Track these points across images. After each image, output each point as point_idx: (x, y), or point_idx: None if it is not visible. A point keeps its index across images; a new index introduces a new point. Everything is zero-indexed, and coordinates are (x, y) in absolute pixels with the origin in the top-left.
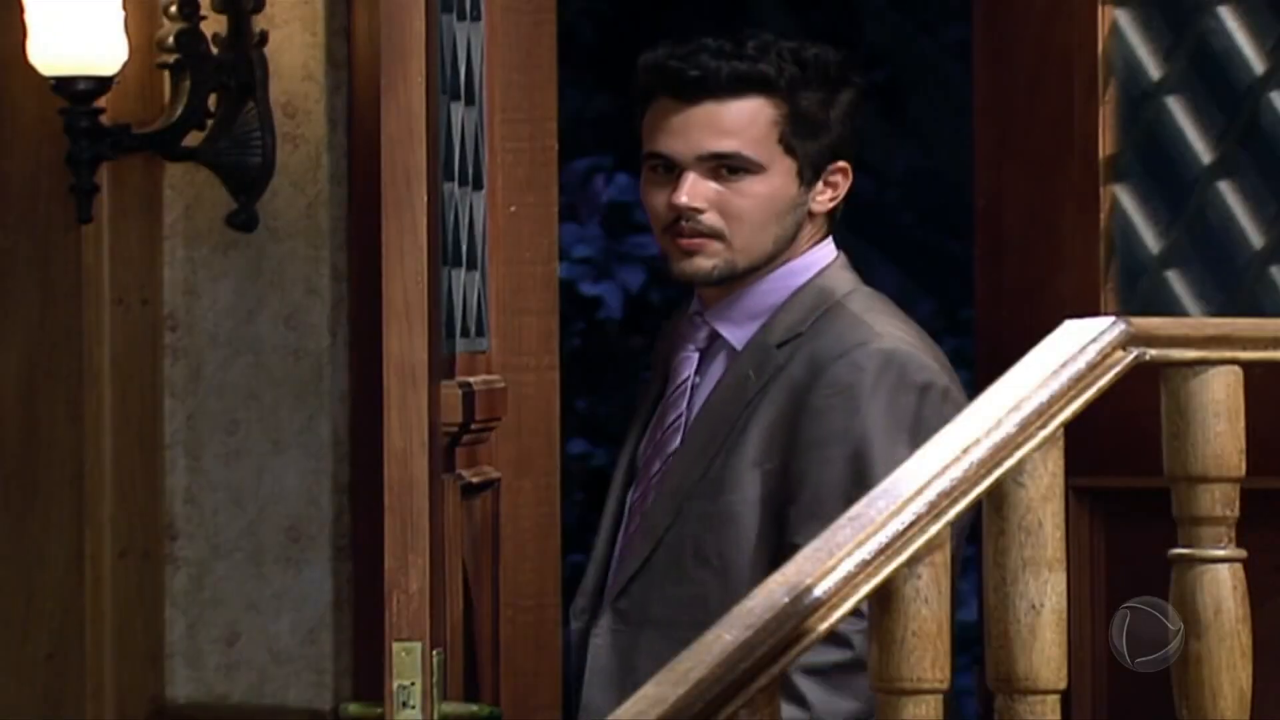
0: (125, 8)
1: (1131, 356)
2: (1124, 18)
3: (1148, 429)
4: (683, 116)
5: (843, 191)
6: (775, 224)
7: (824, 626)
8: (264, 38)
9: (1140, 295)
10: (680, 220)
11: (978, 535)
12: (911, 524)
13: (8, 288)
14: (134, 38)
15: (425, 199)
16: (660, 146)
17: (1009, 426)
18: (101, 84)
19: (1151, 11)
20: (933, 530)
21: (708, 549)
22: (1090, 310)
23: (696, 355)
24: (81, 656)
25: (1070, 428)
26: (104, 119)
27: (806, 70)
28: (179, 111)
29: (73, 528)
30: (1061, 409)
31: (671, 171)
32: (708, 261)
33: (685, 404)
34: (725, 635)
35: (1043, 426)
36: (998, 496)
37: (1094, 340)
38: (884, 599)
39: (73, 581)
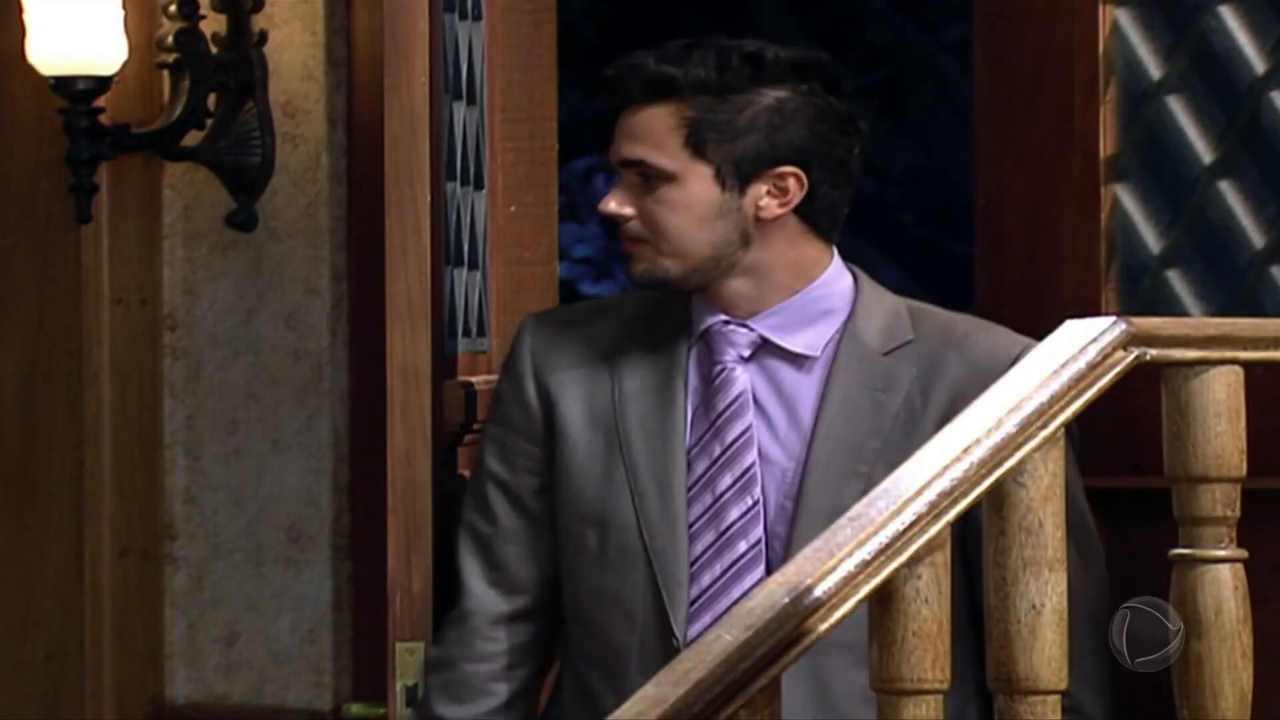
0: (125, 7)
1: (1132, 356)
2: (1125, 17)
3: (1148, 429)
4: (619, 122)
5: (795, 198)
6: (703, 230)
7: (824, 627)
8: (263, 37)
9: (1141, 295)
10: (617, 226)
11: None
12: (912, 524)
13: (7, 288)
14: (133, 37)
15: (428, 198)
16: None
17: (1009, 426)
18: (101, 83)
19: (1152, 11)
20: (933, 530)
21: None
22: (1091, 310)
23: (741, 365)
24: (81, 656)
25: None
26: (103, 118)
27: (726, 73)
28: (178, 111)
29: (72, 527)
30: (1062, 409)
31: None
32: (640, 265)
33: (751, 416)
34: (725, 635)
35: (1043, 426)
36: (998, 496)
37: (1094, 340)
38: (884, 599)
39: (72, 581)
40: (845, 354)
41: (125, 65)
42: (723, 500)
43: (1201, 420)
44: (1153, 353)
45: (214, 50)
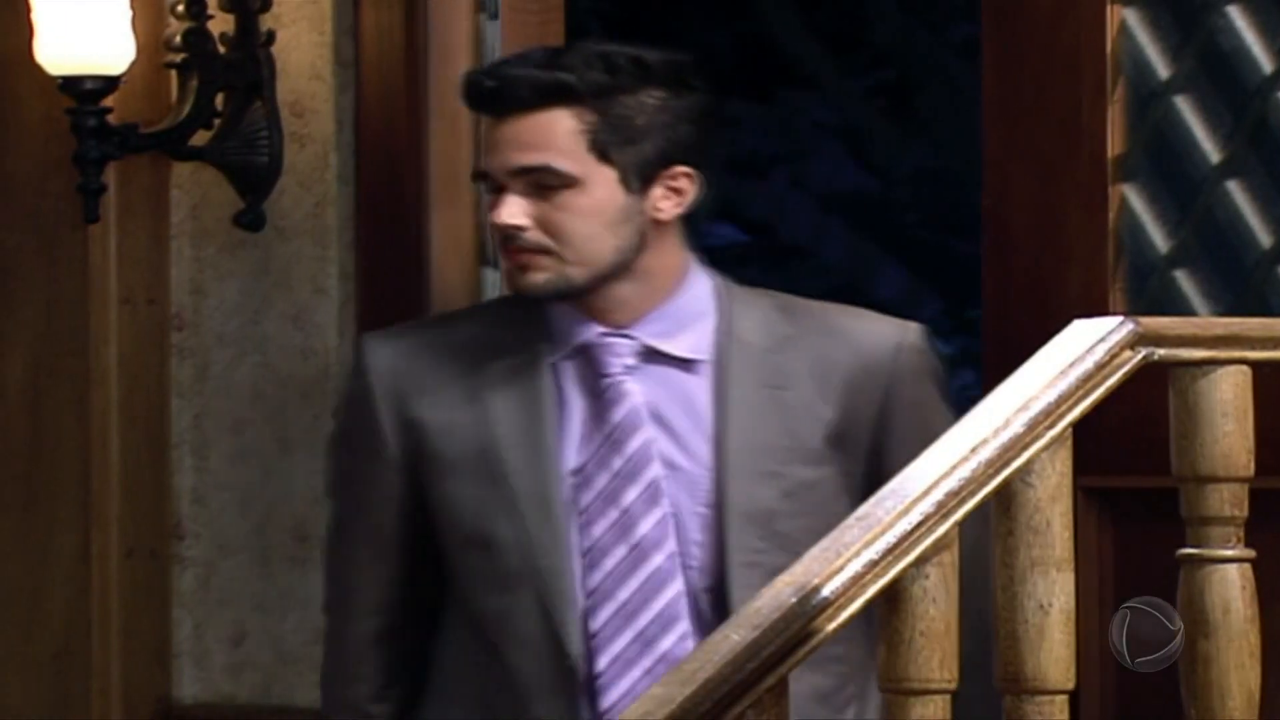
0: (132, 7)
1: (1140, 356)
2: (1132, 17)
3: (1156, 429)
4: (497, 133)
5: (689, 198)
6: (609, 235)
7: (831, 627)
8: (271, 37)
9: (1148, 295)
10: (508, 238)
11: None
12: (919, 524)
13: (14, 287)
14: (141, 37)
15: (470, 199)
16: (483, 164)
17: (1017, 426)
18: (109, 83)
19: (1160, 10)
20: (940, 530)
21: None
22: (1098, 310)
23: (629, 375)
24: (88, 656)
25: (1078, 428)
26: (111, 118)
27: (617, 76)
28: (186, 111)
29: (79, 527)
30: (1070, 409)
31: (499, 190)
32: (540, 275)
33: (649, 426)
34: (733, 635)
35: (1051, 426)
36: (1006, 496)
37: (1102, 340)
38: (892, 599)
39: (79, 581)
40: (732, 354)
41: (133, 65)
42: (630, 513)
43: (1209, 420)
44: (1160, 352)
45: (222, 50)
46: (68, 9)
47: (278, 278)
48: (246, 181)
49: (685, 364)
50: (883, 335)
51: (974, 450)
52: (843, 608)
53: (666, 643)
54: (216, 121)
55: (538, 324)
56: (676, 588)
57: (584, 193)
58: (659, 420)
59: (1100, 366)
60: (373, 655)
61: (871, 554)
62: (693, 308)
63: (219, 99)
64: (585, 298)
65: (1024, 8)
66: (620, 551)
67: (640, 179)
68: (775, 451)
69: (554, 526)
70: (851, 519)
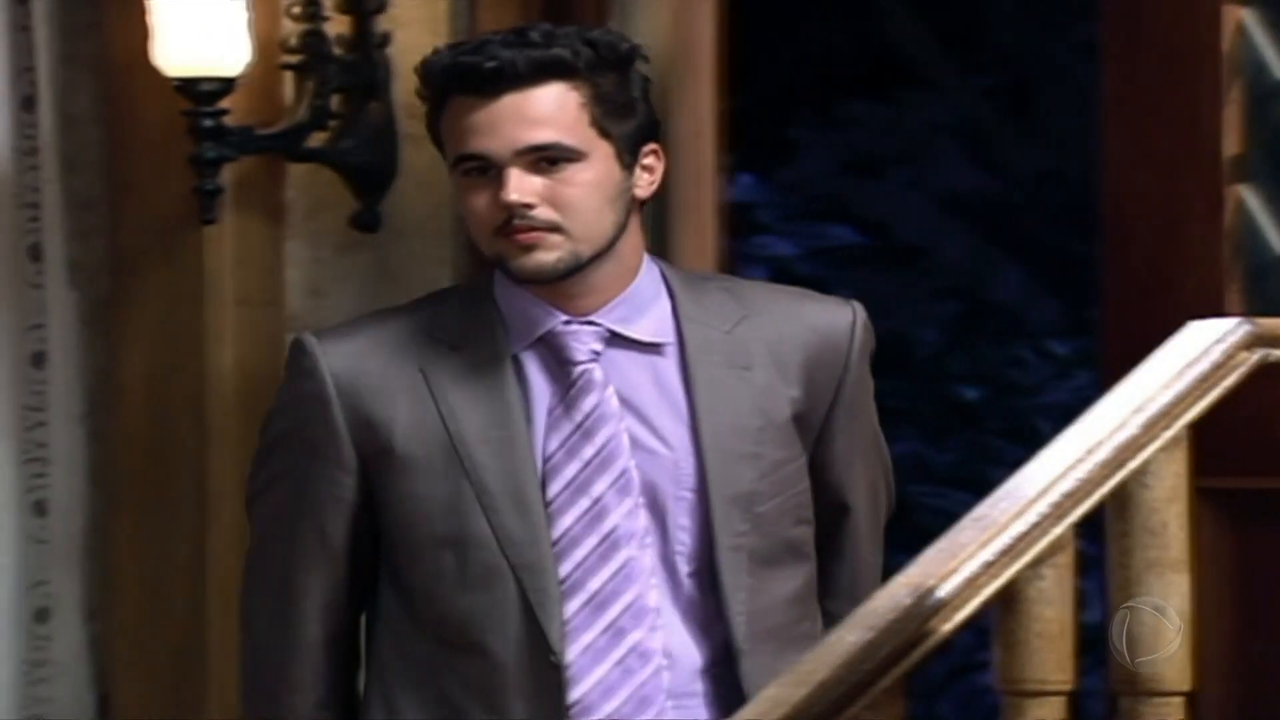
0: (249, 9)
1: (1257, 357)
2: (1250, 18)
3: (1273, 429)
4: (487, 113)
5: (659, 176)
6: (610, 209)
7: (947, 628)
8: (387, 39)
9: (1266, 295)
10: (512, 219)
11: (1100, 534)
12: (1035, 525)
13: (133, 288)
14: (257, 39)
15: (713, 201)
16: (472, 147)
17: (1133, 428)
18: (225, 85)
19: (1277, 11)
20: (1056, 531)
21: (804, 540)
22: (1215, 311)
23: (596, 362)
24: (206, 657)
25: (1195, 429)
26: (227, 120)
27: (599, 51)
28: (302, 112)
29: (197, 528)
30: (1186, 410)
31: (488, 172)
32: (550, 254)
33: (621, 413)
34: (848, 637)
35: (1167, 427)
36: (1122, 498)
37: (1219, 341)
38: (1008, 601)
39: (197, 580)
40: (693, 337)
41: (249, 67)
42: (601, 503)
43: None
44: (1277, 353)
45: (338, 52)
46: (185, 11)
47: (394, 279)
48: (362, 183)
49: (651, 348)
50: (838, 314)
51: (1090, 452)
52: (958, 609)
53: (637, 634)
54: (333, 123)
55: (492, 314)
56: (647, 578)
57: (588, 167)
58: (631, 407)
59: (1217, 367)
60: (319, 662)
61: (987, 555)
62: (649, 292)
63: (335, 100)
64: (562, 282)
65: (1144, 9)
66: (591, 542)
67: (631, 154)
68: (750, 432)
69: (531, 521)
70: (967, 520)
